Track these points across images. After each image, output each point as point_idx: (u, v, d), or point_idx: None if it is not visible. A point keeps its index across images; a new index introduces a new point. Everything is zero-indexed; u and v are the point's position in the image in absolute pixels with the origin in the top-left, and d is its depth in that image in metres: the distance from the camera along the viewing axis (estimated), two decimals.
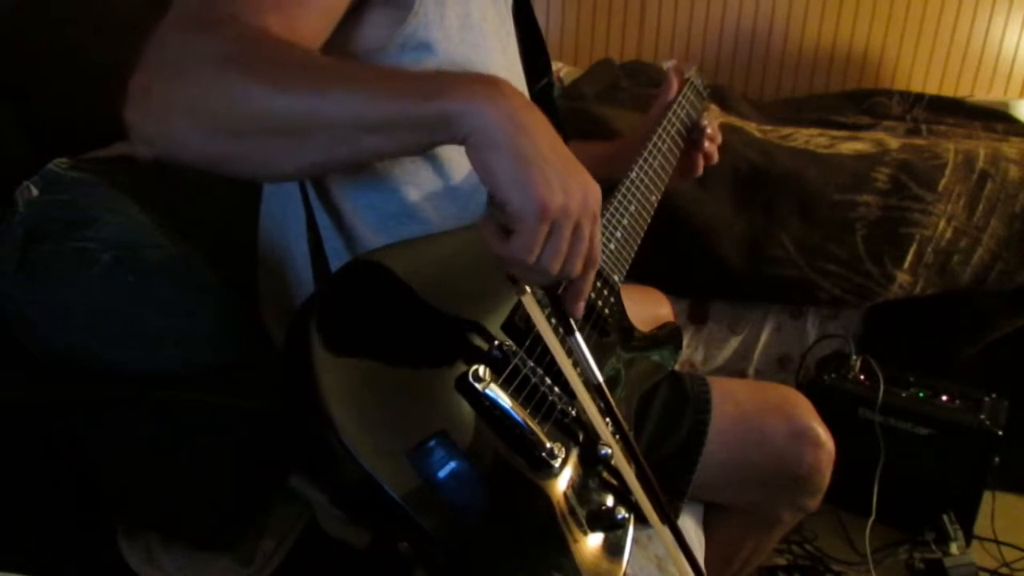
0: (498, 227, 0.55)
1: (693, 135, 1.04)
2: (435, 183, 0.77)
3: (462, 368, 0.61)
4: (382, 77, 0.56)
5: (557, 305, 0.62)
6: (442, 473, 0.55)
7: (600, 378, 0.65)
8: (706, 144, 1.03)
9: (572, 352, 0.64)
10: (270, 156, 0.55)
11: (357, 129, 0.53)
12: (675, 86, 1.05)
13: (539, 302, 0.62)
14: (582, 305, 0.63)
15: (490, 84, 0.54)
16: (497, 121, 0.52)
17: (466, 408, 0.60)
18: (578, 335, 0.63)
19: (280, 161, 0.55)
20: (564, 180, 0.54)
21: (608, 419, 0.67)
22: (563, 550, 0.62)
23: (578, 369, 0.65)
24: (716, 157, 1.06)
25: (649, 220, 0.94)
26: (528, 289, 0.61)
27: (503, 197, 0.53)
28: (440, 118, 0.52)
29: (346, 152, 0.54)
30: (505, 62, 0.83)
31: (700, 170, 1.05)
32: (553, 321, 0.64)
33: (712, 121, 1.05)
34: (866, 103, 2.19)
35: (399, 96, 0.53)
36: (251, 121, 0.53)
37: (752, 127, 1.88)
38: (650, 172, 0.95)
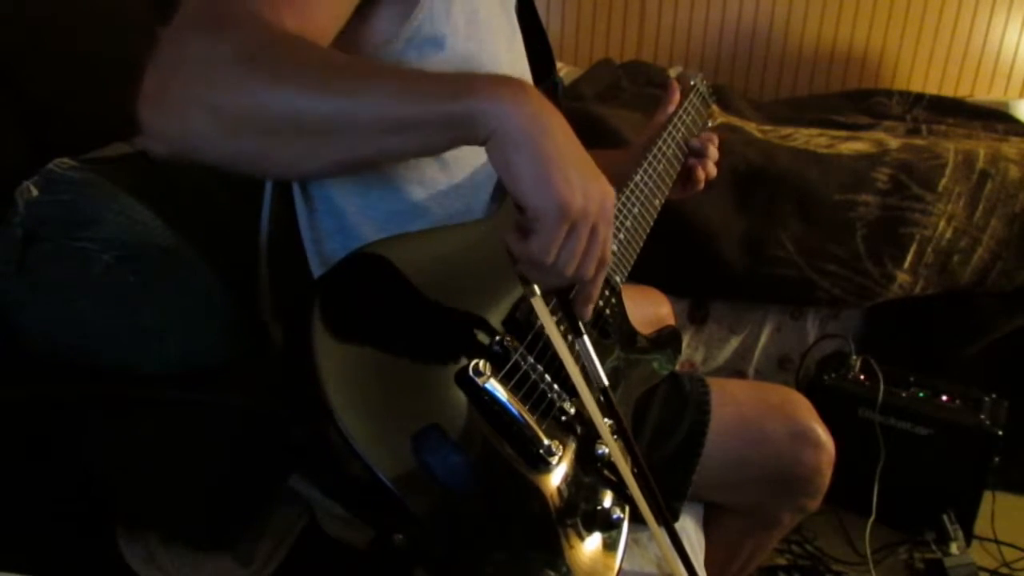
0: (517, 227, 0.56)
1: (692, 148, 1.04)
2: (441, 181, 0.77)
3: (462, 362, 0.61)
4: (407, 77, 0.56)
5: (567, 307, 0.62)
6: (437, 463, 0.55)
7: (605, 381, 0.65)
8: (699, 161, 1.03)
9: (579, 355, 0.65)
10: (294, 156, 0.54)
11: (382, 129, 0.53)
12: (677, 98, 1.05)
13: (547, 304, 0.62)
14: (591, 308, 0.63)
15: (514, 85, 0.54)
16: (520, 122, 0.52)
17: (465, 402, 0.60)
18: (586, 338, 0.64)
19: (304, 160, 0.55)
20: (584, 182, 0.54)
21: (608, 419, 0.67)
22: (557, 548, 0.62)
23: (588, 379, 0.65)
24: (714, 173, 1.05)
25: (652, 223, 0.94)
26: (538, 290, 0.61)
27: (524, 198, 0.53)
28: (466, 117, 0.52)
29: (370, 151, 0.54)
30: (511, 60, 0.83)
31: (701, 184, 1.05)
32: (562, 326, 0.64)
33: (710, 142, 1.05)
34: (866, 103, 2.19)
35: (426, 96, 0.53)
36: (276, 122, 0.52)
37: (752, 127, 1.88)
38: (654, 176, 0.95)
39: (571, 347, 0.65)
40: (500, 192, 0.79)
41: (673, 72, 1.16)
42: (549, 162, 0.53)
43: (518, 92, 0.53)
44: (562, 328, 0.64)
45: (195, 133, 0.53)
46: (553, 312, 0.63)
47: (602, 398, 0.67)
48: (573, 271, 0.56)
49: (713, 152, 1.04)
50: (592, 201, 0.55)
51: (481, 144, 0.54)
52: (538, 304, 0.61)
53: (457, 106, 0.52)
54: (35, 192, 0.79)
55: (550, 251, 0.54)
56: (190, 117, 0.53)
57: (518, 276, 0.59)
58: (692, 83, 1.11)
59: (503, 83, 0.54)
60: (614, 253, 0.86)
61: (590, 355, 0.64)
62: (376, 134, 0.53)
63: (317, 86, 0.52)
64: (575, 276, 0.57)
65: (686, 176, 1.04)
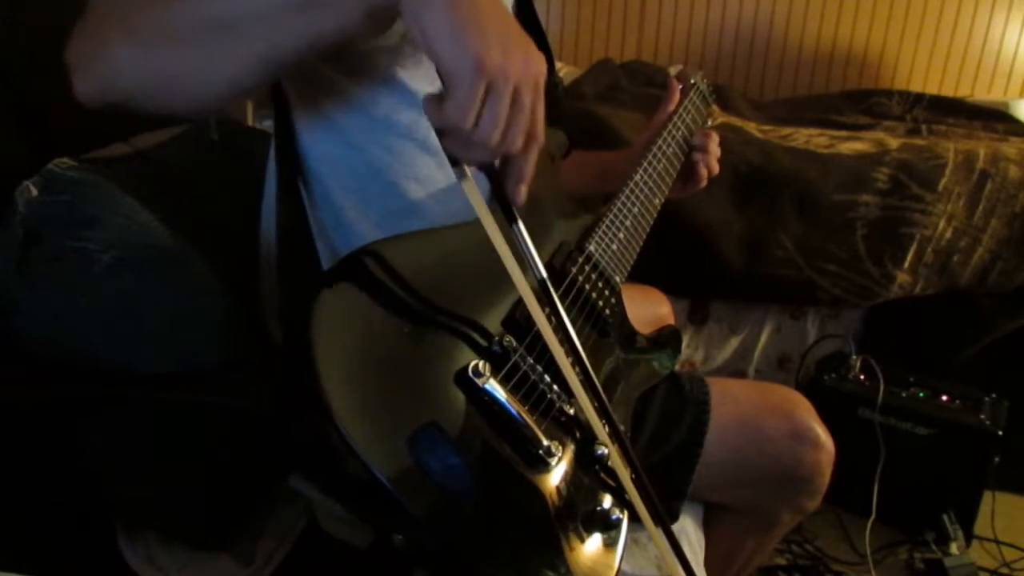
0: (438, 96, 0.53)
1: (693, 144, 1.04)
2: (436, 177, 0.77)
3: (462, 362, 0.61)
4: None
5: (499, 189, 0.58)
6: (435, 463, 0.55)
7: (543, 273, 0.61)
8: (701, 156, 1.03)
9: (514, 243, 0.60)
10: (210, 60, 0.54)
11: (291, 6, 0.52)
12: (677, 98, 1.05)
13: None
14: (524, 189, 0.59)
15: None
16: None
17: (464, 402, 0.60)
18: (521, 224, 0.60)
19: (222, 65, 0.55)
20: (504, 41, 0.51)
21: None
22: (556, 549, 0.61)
23: (525, 271, 0.61)
24: (716, 169, 1.05)
25: (652, 223, 0.94)
26: (469, 173, 0.57)
27: (438, 56, 0.51)
28: None
29: (287, 39, 0.54)
30: None
31: (704, 181, 1.04)
32: (549, 314, 0.62)
33: (710, 139, 1.04)
34: (866, 103, 2.20)
35: None
36: (182, 22, 0.53)
37: (752, 127, 1.88)
38: (654, 175, 0.95)
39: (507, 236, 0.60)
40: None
41: (673, 71, 1.16)
42: (461, 16, 0.50)
43: None
44: (537, 294, 0.60)
45: (116, 60, 0.54)
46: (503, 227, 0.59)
47: (550, 310, 0.63)
48: (497, 140, 0.53)
49: (715, 148, 1.03)
50: (513, 60, 0.52)
51: (396, 12, 0.52)
52: (470, 190, 0.57)
53: None
54: (35, 192, 0.79)
55: (468, 114, 0.51)
56: (104, 40, 0.54)
57: (448, 158, 0.56)
58: (692, 81, 1.11)
59: None
60: (614, 253, 0.86)
61: (526, 244, 0.60)
62: (285, 15, 0.53)
63: None
64: (500, 147, 0.54)
65: (688, 173, 1.04)
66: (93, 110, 0.58)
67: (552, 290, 0.62)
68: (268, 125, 0.95)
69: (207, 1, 0.53)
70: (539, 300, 0.61)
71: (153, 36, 0.53)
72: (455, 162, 0.56)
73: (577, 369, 0.64)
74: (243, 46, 0.54)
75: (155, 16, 0.53)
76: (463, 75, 0.50)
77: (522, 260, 0.60)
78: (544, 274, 0.61)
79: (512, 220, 0.59)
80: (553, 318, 0.63)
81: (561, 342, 0.63)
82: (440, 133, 0.54)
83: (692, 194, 1.06)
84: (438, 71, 0.52)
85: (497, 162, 0.58)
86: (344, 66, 0.74)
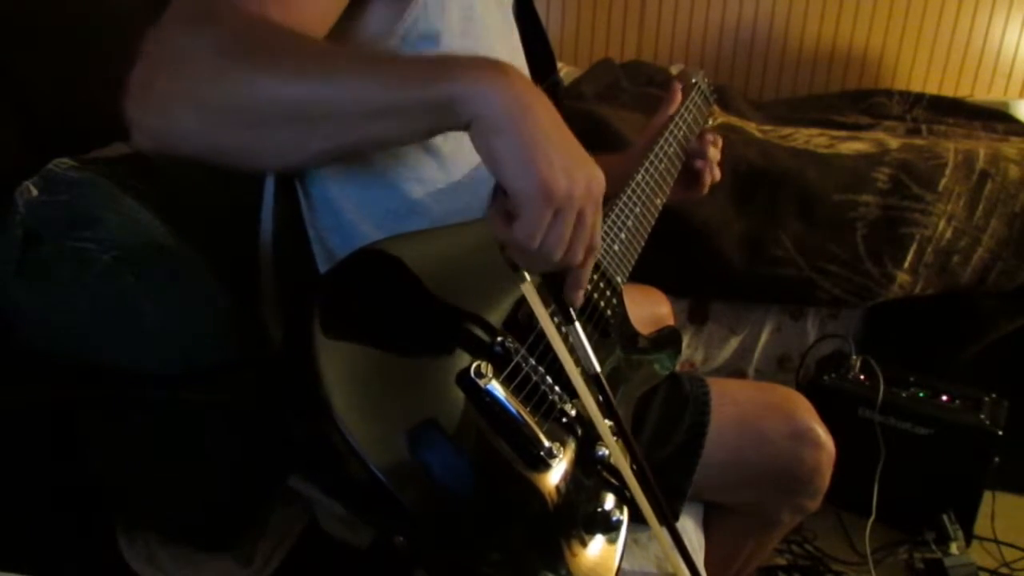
0: (503, 213, 0.55)
1: (693, 148, 1.03)
2: (438, 178, 0.77)
3: (464, 363, 0.61)
4: (386, 61, 0.56)
5: (557, 294, 0.62)
6: (436, 463, 0.55)
7: (599, 368, 0.65)
8: (703, 163, 1.03)
9: (571, 343, 0.64)
10: (276, 146, 0.54)
11: (364, 115, 0.53)
12: (679, 99, 1.05)
13: (539, 292, 0.62)
14: (581, 294, 0.62)
15: (495, 67, 0.53)
16: (502, 104, 0.52)
17: (466, 403, 0.59)
18: (577, 325, 0.63)
19: (286, 151, 0.55)
20: (568, 165, 0.53)
21: (608, 420, 0.67)
22: (557, 550, 0.62)
23: (579, 366, 0.65)
24: (719, 175, 1.05)
25: (653, 223, 0.94)
26: (528, 277, 0.60)
27: (506, 181, 0.53)
28: (446, 101, 0.52)
29: (352, 139, 0.54)
30: (507, 58, 0.83)
31: (706, 188, 1.04)
32: (556, 318, 0.64)
33: (712, 141, 1.04)
34: (866, 103, 2.20)
35: (405, 80, 0.52)
36: (255, 111, 0.52)
37: (752, 127, 1.88)
38: (655, 175, 0.95)
39: (565, 338, 0.64)
40: (499, 190, 0.79)
41: (675, 69, 1.16)
42: (531, 144, 0.52)
43: (499, 74, 0.53)
44: (556, 320, 0.64)
45: (179, 127, 0.53)
46: (546, 304, 0.62)
47: (597, 388, 0.66)
48: (561, 257, 0.55)
49: (715, 154, 1.03)
50: (577, 184, 0.54)
51: (465, 129, 0.53)
52: (529, 292, 0.60)
53: (436, 90, 0.52)
54: (35, 192, 0.79)
55: (535, 236, 0.53)
56: (174, 112, 0.53)
57: (507, 262, 0.59)
58: (694, 81, 1.11)
59: (483, 65, 0.53)
60: (615, 254, 0.86)
61: (582, 342, 0.64)
62: (357, 120, 0.53)
63: (295, 73, 0.52)
64: (563, 262, 0.56)
65: (691, 179, 1.03)
66: (93, 111, 0.57)
67: (605, 383, 0.66)
68: None
69: (288, 88, 0.52)
70: (596, 402, 0.65)
71: (223, 114, 0.52)
72: (515, 267, 0.59)
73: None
74: (313, 140, 0.54)
75: (228, 92, 0.51)
76: (531, 202, 0.52)
77: (578, 357, 0.64)
78: (599, 369, 0.65)
79: (569, 321, 0.63)
80: (615, 427, 0.67)
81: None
82: (503, 246, 0.57)
83: (693, 200, 1.06)
84: (505, 192, 0.53)
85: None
86: None
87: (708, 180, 1.03)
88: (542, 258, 0.55)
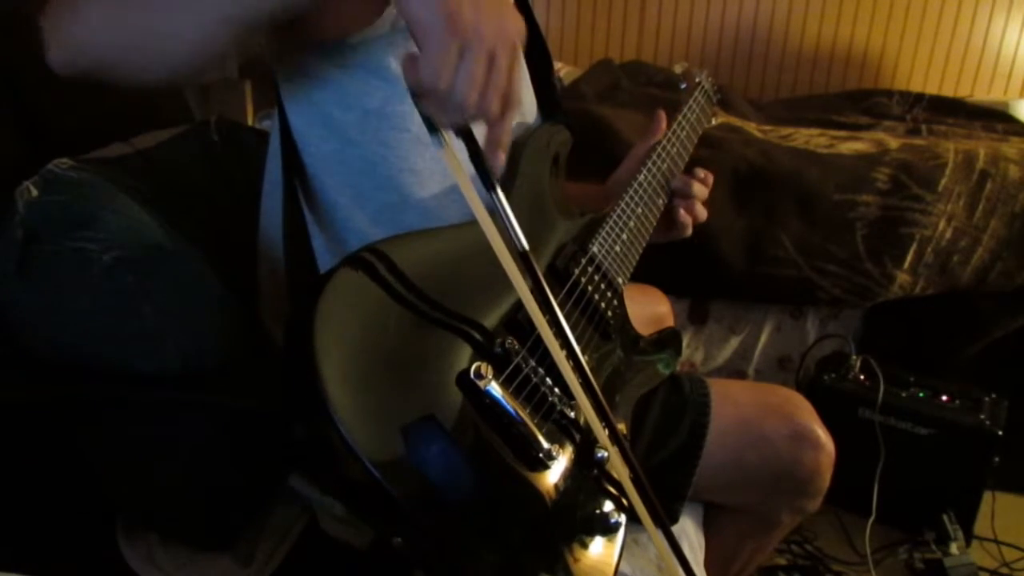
0: (413, 57, 0.52)
1: (675, 189, 0.96)
2: (432, 168, 0.77)
3: (463, 364, 0.60)
4: None
5: (477, 156, 0.58)
6: (435, 464, 0.55)
7: (525, 244, 0.60)
8: (683, 203, 0.96)
9: (494, 211, 0.59)
10: (177, 21, 0.57)
11: None
12: (663, 129, 1.00)
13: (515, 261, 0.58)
14: (503, 156, 0.58)
15: None
16: None
17: (465, 404, 0.59)
18: (499, 191, 0.58)
19: (188, 25, 0.57)
20: (477, 1, 0.51)
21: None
22: (556, 551, 0.61)
23: (510, 248, 0.59)
24: (703, 215, 0.98)
25: (655, 223, 0.94)
26: (448, 140, 0.56)
27: (409, 14, 0.51)
28: None
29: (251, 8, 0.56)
30: None
31: (688, 230, 0.98)
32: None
33: (693, 182, 0.96)
34: (866, 103, 2.20)
35: None
36: None
37: (752, 127, 1.88)
38: (658, 175, 0.94)
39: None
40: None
41: (679, 68, 1.15)
42: None
43: None
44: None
45: (87, 22, 0.58)
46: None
47: (546, 310, 0.62)
48: (473, 101, 0.52)
49: (700, 191, 0.97)
50: (487, 20, 0.51)
51: None
52: (448, 155, 0.56)
53: None
54: (35, 192, 0.79)
55: (440, 73, 0.50)
56: (80, 11, 0.58)
57: (424, 123, 0.56)
58: (697, 80, 1.11)
59: None
60: (617, 254, 0.86)
61: (506, 212, 0.59)
62: None
63: None
64: (478, 110, 0.53)
65: (669, 219, 0.97)
66: (93, 111, 0.59)
67: (534, 261, 0.60)
68: (268, 125, 0.95)
69: None
70: (521, 271, 0.60)
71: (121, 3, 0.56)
72: (433, 129, 0.56)
73: (572, 363, 0.64)
74: (209, 5, 0.56)
75: None
76: (434, 32, 0.50)
77: (504, 229, 0.59)
78: (525, 245, 0.60)
79: (490, 188, 0.58)
80: (536, 291, 0.61)
81: (557, 335, 0.62)
82: (416, 96, 0.54)
83: (676, 240, 1.00)
84: (411, 32, 0.52)
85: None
86: (337, 58, 0.74)
87: (690, 222, 0.98)
88: (454, 106, 0.52)
